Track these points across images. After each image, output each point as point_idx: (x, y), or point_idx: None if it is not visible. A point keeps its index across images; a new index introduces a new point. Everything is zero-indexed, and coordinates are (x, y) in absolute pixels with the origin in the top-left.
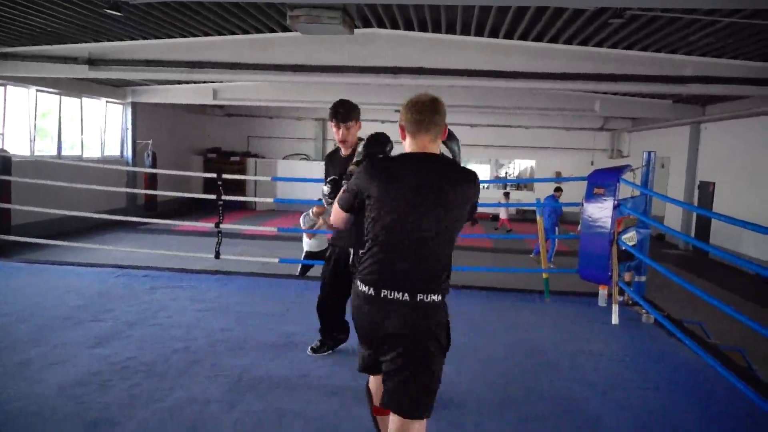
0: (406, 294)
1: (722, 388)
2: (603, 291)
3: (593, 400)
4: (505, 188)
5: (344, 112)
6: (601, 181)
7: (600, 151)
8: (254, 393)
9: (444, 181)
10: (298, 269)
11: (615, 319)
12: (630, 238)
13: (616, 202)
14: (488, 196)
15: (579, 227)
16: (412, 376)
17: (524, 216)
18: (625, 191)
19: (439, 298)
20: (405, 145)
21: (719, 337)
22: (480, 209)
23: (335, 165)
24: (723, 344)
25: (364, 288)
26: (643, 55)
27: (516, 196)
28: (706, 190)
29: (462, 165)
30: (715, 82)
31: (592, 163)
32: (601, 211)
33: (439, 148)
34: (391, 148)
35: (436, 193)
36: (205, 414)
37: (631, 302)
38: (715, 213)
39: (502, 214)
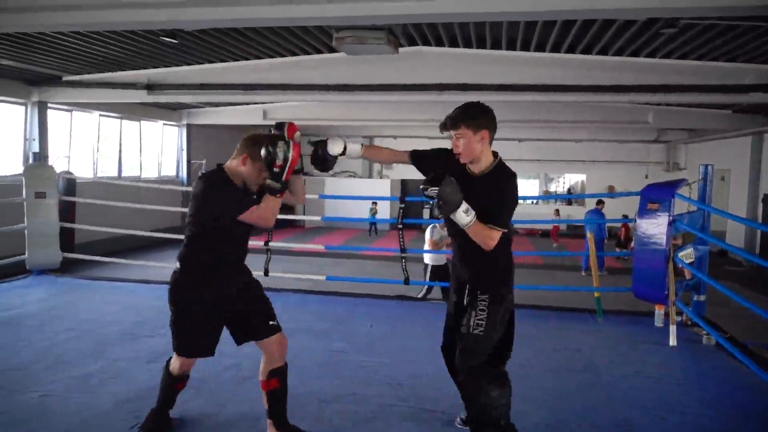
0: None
1: None
2: (659, 311)
3: (649, 425)
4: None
5: (453, 116)
6: (655, 196)
7: (654, 164)
8: (303, 410)
9: (198, 186)
10: (422, 291)
11: (672, 341)
12: (687, 255)
13: (671, 217)
14: (537, 212)
15: (632, 243)
16: None
17: (576, 232)
18: (682, 206)
19: (178, 268)
20: None
21: None
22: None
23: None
24: None
25: None
26: (699, 65)
27: (566, 211)
28: None
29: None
30: None
31: (646, 177)
32: (655, 227)
33: (237, 166)
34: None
35: (192, 196)
36: (255, 430)
37: (690, 323)
38: None
39: None
